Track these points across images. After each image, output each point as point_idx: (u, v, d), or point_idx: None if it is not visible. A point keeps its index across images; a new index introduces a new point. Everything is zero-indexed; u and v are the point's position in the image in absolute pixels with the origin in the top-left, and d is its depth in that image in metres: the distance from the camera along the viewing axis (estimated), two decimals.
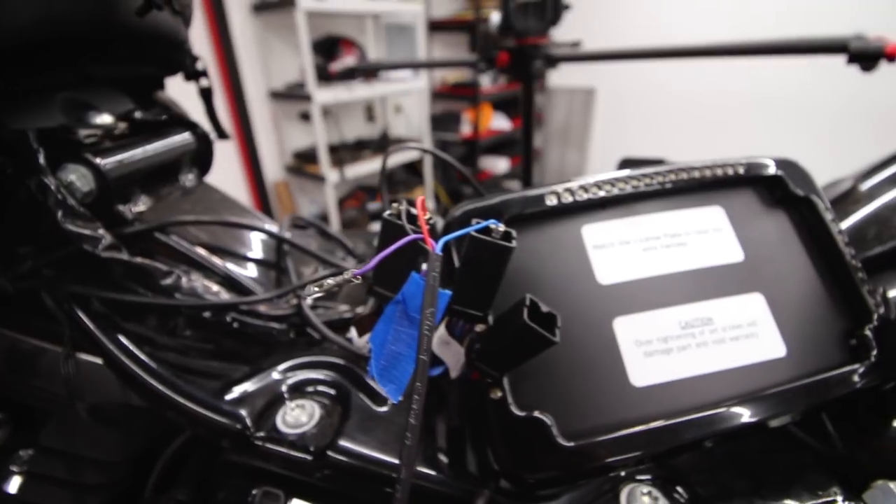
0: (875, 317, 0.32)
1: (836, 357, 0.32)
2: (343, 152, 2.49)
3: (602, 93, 3.13)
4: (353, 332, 0.38)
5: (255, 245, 0.52)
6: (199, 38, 2.06)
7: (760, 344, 0.32)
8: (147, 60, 0.49)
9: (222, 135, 0.59)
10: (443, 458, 0.34)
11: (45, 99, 0.43)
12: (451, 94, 3.13)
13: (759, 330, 0.32)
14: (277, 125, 2.52)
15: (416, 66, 2.58)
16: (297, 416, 0.35)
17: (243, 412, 0.35)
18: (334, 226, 2.52)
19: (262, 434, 0.34)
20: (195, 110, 0.59)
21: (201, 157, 0.54)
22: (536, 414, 0.28)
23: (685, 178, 0.35)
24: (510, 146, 3.34)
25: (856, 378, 0.31)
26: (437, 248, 0.21)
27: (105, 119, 0.45)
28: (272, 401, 0.37)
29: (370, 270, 0.24)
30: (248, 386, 0.38)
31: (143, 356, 0.37)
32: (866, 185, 0.46)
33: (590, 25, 2.77)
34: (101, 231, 0.38)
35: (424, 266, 0.23)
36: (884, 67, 0.75)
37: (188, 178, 0.52)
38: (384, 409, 0.37)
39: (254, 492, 0.34)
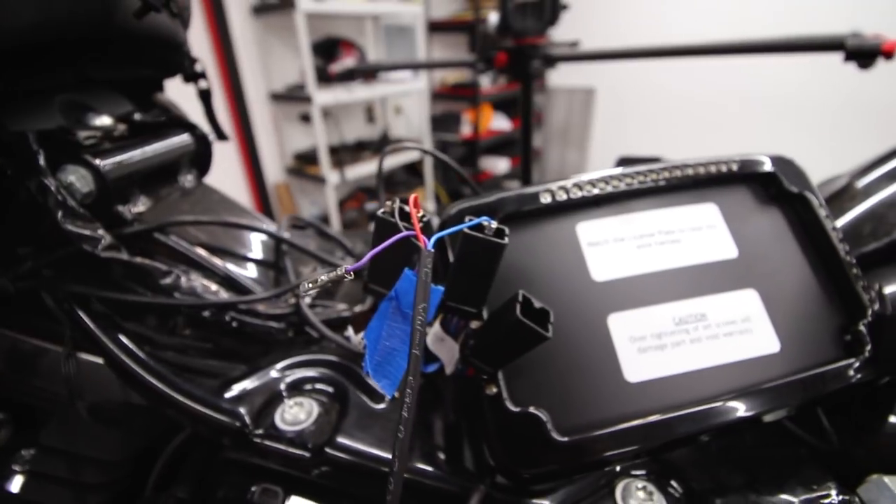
0: (869, 312, 0.32)
1: (831, 352, 0.32)
2: (343, 153, 2.50)
3: (602, 92, 3.13)
4: (350, 331, 0.38)
5: (254, 245, 0.52)
6: (200, 40, 2.07)
7: (754, 340, 0.32)
8: (145, 62, 0.50)
9: (221, 136, 0.60)
10: (440, 454, 0.34)
11: (45, 101, 0.43)
12: (451, 95, 3.14)
13: (753, 326, 0.32)
14: (278, 127, 2.53)
15: (415, 66, 2.59)
16: (296, 414, 0.35)
17: (242, 410, 0.36)
18: (335, 227, 2.53)
19: (260, 432, 0.35)
20: (194, 112, 0.60)
21: (200, 158, 0.54)
22: (531, 409, 0.28)
23: (679, 176, 0.35)
24: (510, 146, 3.34)
25: (850, 373, 0.31)
26: (429, 244, 0.21)
27: (104, 121, 0.45)
28: (271, 399, 0.37)
29: (365, 268, 0.25)
30: (246, 384, 0.38)
31: (143, 355, 0.37)
32: (862, 182, 0.46)
33: (588, 25, 2.78)
34: (100, 231, 0.38)
35: (417, 261, 0.23)
36: (882, 65, 0.76)
37: (187, 179, 0.53)
38: (382, 406, 0.37)
39: (253, 489, 0.35)
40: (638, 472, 0.31)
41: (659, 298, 0.32)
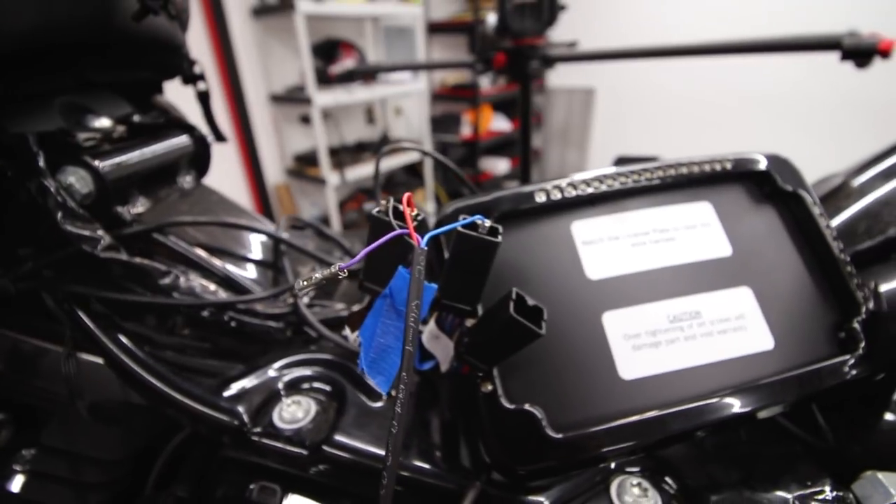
0: (864, 310, 0.32)
1: (825, 350, 0.32)
2: (343, 155, 2.50)
3: (601, 93, 3.13)
4: (347, 330, 0.38)
5: (253, 245, 0.53)
6: (199, 43, 2.08)
7: (748, 337, 0.32)
8: (144, 65, 0.50)
9: (220, 137, 0.60)
10: (436, 452, 0.34)
11: (45, 103, 0.44)
12: (451, 96, 3.14)
13: (748, 323, 0.32)
14: (278, 128, 2.54)
15: (414, 67, 2.60)
16: (294, 412, 0.35)
17: (241, 409, 0.36)
18: (335, 228, 2.53)
19: (258, 430, 0.35)
20: (193, 114, 0.60)
21: (199, 159, 0.54)
22: (527, 407, 0.28)
23: (673, 175, 0.36)
24: (510, 147, 3.34)
25: (845, 370, 0.31)
26: (422, 242, 0.22)
27: (103, 122, 0.46)
28: (269, 397, 0.37)
29: (360, 267, 0.25)
30: (245, 383, 0.38)
31: (142, 355, 0.38)
32: (857, 181, 0.47)
33: (587, 26, 2.78)
34: (100, 232, 0.39)
35: (409, 258, 0.23)
36: (879, 64, 0.76)
37: (186, 180, 0.53)
38: (379, 404, 0.37)
39: (251, 486, 0.35)
40: (633, 469, 0.32)
41: (653, 296, 0.32)
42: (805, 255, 0.35)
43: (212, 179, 0.59)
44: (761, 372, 0.31)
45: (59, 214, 0.37)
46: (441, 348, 0.28)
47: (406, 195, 0.23)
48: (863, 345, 0.31)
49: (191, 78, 0.57)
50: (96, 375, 0.41)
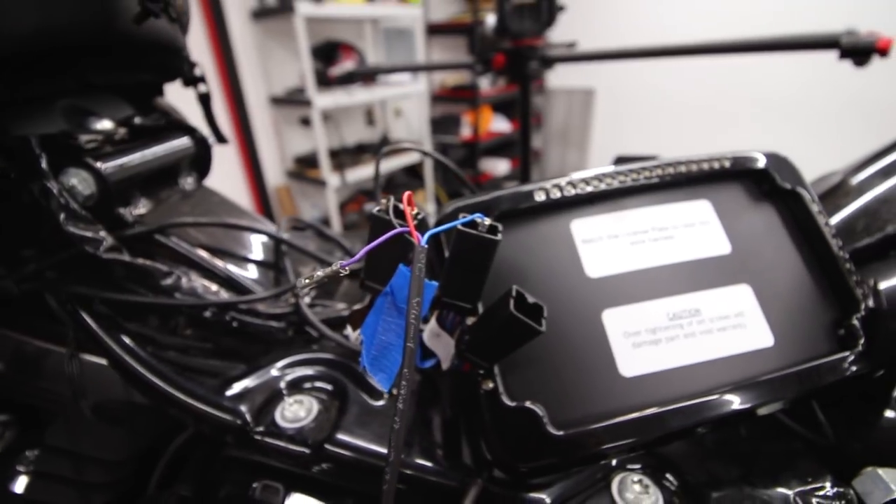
0: (863, 307, 0.32)
1: (824, 347, 0.32)
2: (344, 156, 2.51)
3: (601, 93, 3.13)
4: (349, 329, 0.38)
5: (254, 246, 0.53)
6: (199, 45, 2.08)
7: (748, 334, 0.32)
8: (145, 67, 0.50)
9: (221, 139, 0.60)
10: (437, 449, 0.34)
11: (47, 106, 0.44)
12: (451, 97, 3.15)
13: (747, 320, 0.32)
14: (278, 130, 2.54)
15: (414, 69, 2.60)
16: (296, 412, 0.35)
17: (243, 408, 0.36)
18: (336, 229, 2.53)
19: (261, 429, 0.35)
20: (193, 116, 0.60)
21: (200, 160, 0.55)
22: (527, 404, 0.28)
23: (672, 173, 0.36)
24: (510, 148, 3.35)
25: (844, 366, 0.31)
26: (422, 240, 0.22)
27: (105, 124, 0.46)
28: (271, 397, 0.38)
29: (360, 266, 0.25)
30: (247, 383, 0.38)
31: (145, 355, 0.38)
32: (856, 179, 0.47)
33: (586, 27, 2.78)
34: (102, 233, 0.39)
35: (409, 257, 0.24)
36: (878, 63, 0.76)
37: (187, 182, 0.53)
38: (380, 403, 0.37)
39: (254, 485, 0.35)
40: (634, 466, 0.32)
41: (653, 294, 0.33)
42: (804, 253, 0.35)
43: (212, 181, 0.59)
44: (761, 369, 0.31)
45: (62, 216, 0.37)
46: (442, 346, 0.28)
47: (406, 194, 0.23)
48: (862, 341, 0.32)
49: (191, 80, 0.58)
50: (99, 376, 0.42)
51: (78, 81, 0.43)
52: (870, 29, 0.78)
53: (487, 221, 0.25)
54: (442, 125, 3.10)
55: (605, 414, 0.29)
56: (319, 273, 0.21)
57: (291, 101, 2.36)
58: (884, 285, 0.34)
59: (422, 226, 0.25)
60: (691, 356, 0.31)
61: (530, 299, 0.25)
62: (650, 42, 1.10)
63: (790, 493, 0.31)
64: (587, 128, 3.27)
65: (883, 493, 0.29)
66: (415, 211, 0.24)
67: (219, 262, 0.47)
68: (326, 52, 2.37)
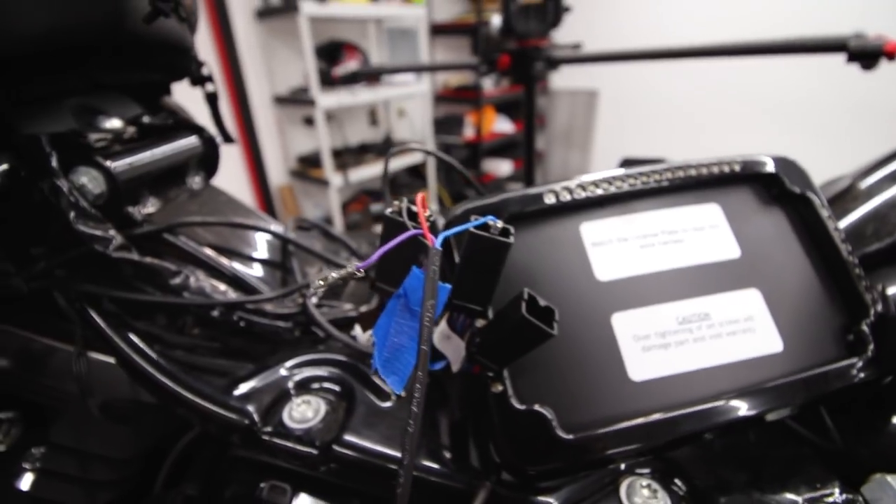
0: (872, 312, 0.32)
1: (833, 352, 0.32)
2: (347, 156, 2.51)
3: (605, 95, 3.13)
4: (357, 330, 0.38)
5: (261, 246, 0.53)
6: (204, 44, 2.09)
7: (757, 339, 0.32)
8: (155, 66, 0.50)
9: (228, 138, 0.61)
10: (445, 452, 0.34)
11: (56, 104, 0.44)
12: (454, 98, 3.15)
13: (756, 325, 0.32)
14: (281, 130, 2.55)
15: (418, 69, 2.60)
16: (303, 412, 0.36)
17: (251, 408, 0.36)
18: (338, 229, 2.53)
19: (269, 429, 0.35)
20: (200, 115, 0.61)
21: (208, 160, 0.55)
22: (537, 407, 0.28)
23: (682, 176, 0.36)
24: (513, 148, 3.35)
25: (853, 372, 0.31)
26: (436, 242, 0.22)
27: (114, 123, 0.46)
28: (279, 397, 0.38)
29: (373, 267, 0.25)
30: (255, 383, 0.38)
31: (153, 354, 0.38)
32: (865, 183, 0.47)
33: (591, 28, 2.78)
34: (111, 232, 0.39)
35: (424, 259, 0.24)
36: (886, 66, 0.76)
37: (195, 181, 0.54)
38: (388, 404, 0.37)
39: (261, 485, 0.35)
40: (642, 470, 0.32)
41: (662, 298, 0.33)
42: (813, 258, 0.35)
43: (216, 180, 0.59)
44: (770, 374, 0.31)
45: (72, 214, 0.37)
46: (452, 348, 0.28)
47: (420, 195, 0.23)
48: (871, 347, 0.32)
49: (199, 79, 0.58)
50: (106, 374, 0.42)
51: (88, 80, 0.44)
52: (876, 30, 0.77)
53: (500, 224, 0.25)
54: (445, 125, 3.10)
55: (614, 418, 0.29)
56: (334, 275, 0.21)
57: (295, 100, 2.37)
58: (893, 291, 0.34)
59: (433, 227, 0.25)
60: (701, 361, 0.31)
61: (542, 302, 0.25)
62: (655, 43, 1.10)
63: (799, 498, 0.31)
64: (590, 129, 3.26)
65: (892, 499, 0.29)
66: (427, 212, 0.24)
67: (227, 262, 0.47)
68: (330, 52, 2.37)
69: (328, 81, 2.25)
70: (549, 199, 0.34)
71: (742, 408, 0.30)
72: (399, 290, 0.23)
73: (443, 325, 0.29)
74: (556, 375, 0.30)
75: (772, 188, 0.37)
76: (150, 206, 0.47)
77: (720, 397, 0.30)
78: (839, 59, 0.77)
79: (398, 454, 0.33)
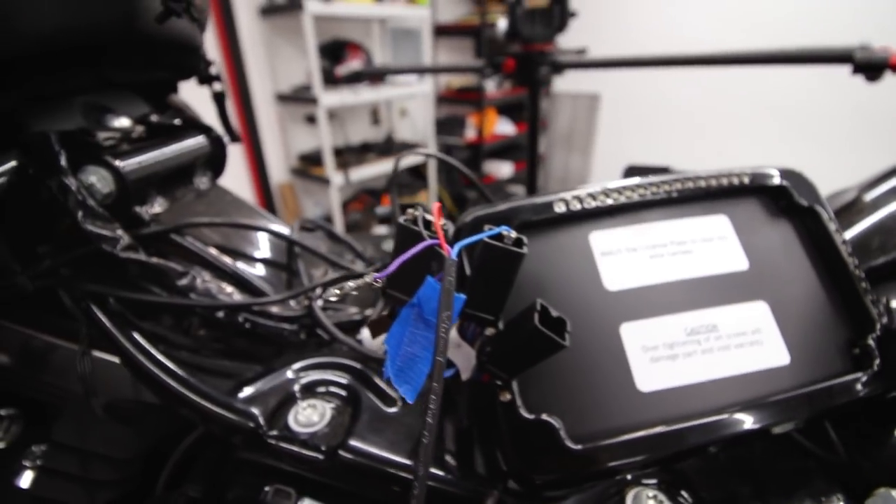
0: (878, 326, 0.32)
1: (839, 366, 0.33)
2: (348, 155, 2.51)
3: (606, 99, 3.14)
4: (363, 334, 0.38)
5: (267, 247, 0.53)
6: (207, 41, 2.07)
7: (765, 351, 0.32)
8: (164, 65, 0.50)
9: (235, 138, 0.61)
10: (450, 459, 0.34)
11: (65, 102, 0.44)
12: (456, 99, 3.15)
13: (764, 338, 0.33)
14: (283, 127, 2.54)
15: (422, 70, 2.60)
16: (309, 416, 0.35)
17: (256, 411, 0.36)
18: (338, 228, 2.53)
19: (275, 433, 0.35)
20: (203, 113, 0.60)
21: (215, 160, 0.55)
22: (545, 417, 0.28)
23: (691, 188, 0.36)
24: (514, 151, 3.35)
25: (858, 387, 0.31)
26: (452, 253, 0.22)
27: (123, 122, 0.46)
28: (284, 400, 0.37)
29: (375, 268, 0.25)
30: (260, 385, 0.38)
31: (158, 355, 0.38)
32: (870, 196, 0.47)
33: (595, 33, 2.78)
34: (119, 232, 0.39)
35: (435, 267, 0.24)
36: (891, 78, 0.76)
37: (202, 181, 0.53)
38: (394, 409, 0.37)
39: (266, 489, 0.35)
40: (649, 481, 0.32)
41: (671, 309, 0.33)
42: (820, 271, 0.35)
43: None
44: (777, 387, 0.31)
45: (80, 213, 0.37)
46: (462, 356, 0.28)
47: (436, 205, 0.23)
48: (877, 362, 0.32)
49: (207, 78, 0.58)
50: (110, 374, 0.41)
51: (97, 79, 0.43)
52: (870, 37, 0.78)
53: (514, 234, 0.25)
54: (447, 126, 3.10)
55: (622, 428, 0.29)
56: (351, 283, 0.21)
57: (297, 98, 2.37)
58: None
59: (445, 236, 0.25)
60: (708, 372, 0.31)
61: (554, 313, 0.25)
62: (659, 49, 1.10)
63: None
64: (591, 133, 3.27)
65: None
66: (442, 221, 0.24)
67: (233, 263, 0.47)
68: (334, 51, 2.37)
69: (331, 80, 2.25)
70: (559, 208, 0.34)
71: (749, 421, 0.30)
72: (413, 300, 0.23)
73: (453, 332, 0.29)
74: (565, 385, 0.30)
75: (780, 200, 0.37)
76: (158, 206, 0.47)
77: (728, 410, 0.30)
78: (845, 69, 0.77)
79: (405, 461, 0.33)
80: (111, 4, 0.37)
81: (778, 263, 0.35)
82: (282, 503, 0.34)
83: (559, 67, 1.18)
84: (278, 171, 2.60)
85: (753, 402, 0.30)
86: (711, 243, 0.35)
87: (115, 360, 0.41)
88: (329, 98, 2.22)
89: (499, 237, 0.25)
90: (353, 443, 0.34)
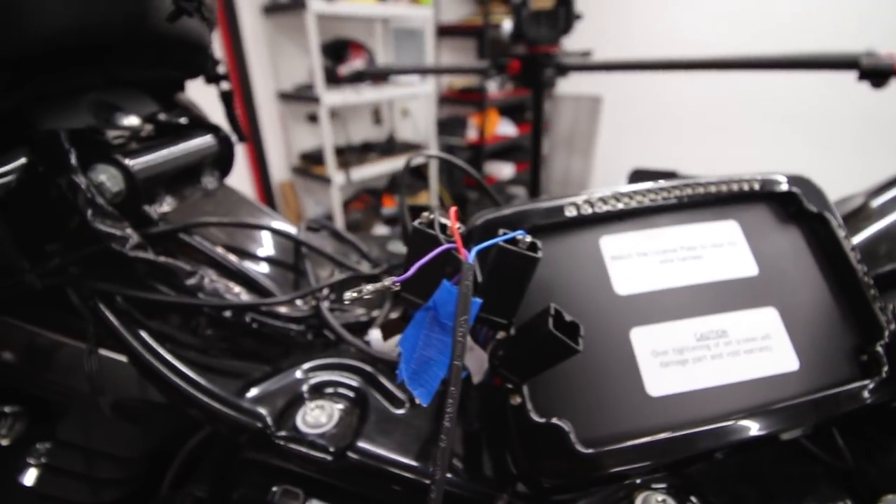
0: (886, 333, 0.33)
1: (847, 372, 0.33)
2: (349, 154, 2.51)
3: (608, 101, 3.14)
4: (372, 335, 0.38)
5: (274, 247, 0.53)
6: None
7: (774, 357, 0.32)
8: (174, 64, 0.50)
9: (242, 137, 0.60)
10: (458, 462, 0.34)
11: (74, 100, 0.44)
12: (458, 99, 3.15)
13: (773, 343, 0.33)
14: (285, 126, 2.54)
15: (425, 71, 2.60)
16: (317, 417, 0.35)
17: (263, 411, 0.36)
18: (339, 228, 2.53)
19: (283, 433, 0.35)
20: (207, 111, 0.60)
21: (223, 159, 0.55)
22: (555, 420, 0.28)
23: (702, 193, 0.36)
24: (515, 152, 3.35)
25: (866, 394, 0.31)
26: (469, 257, 0.22)
27: (132, 121, 0.46)
28: (292, 401, 0.37)
29: (396, 273, 0.25)
30: (268, 385, 0.38)
31: (166, 354, 0.38)
32: (877, 202, 0.47)
33: (600, 35, 2.78)
34: (128, 230, 0.39)
35: (447, 270, 0.24)
36: None
37: (209, 180, 0.53)
38: (401, 411, 0.37)
39: (274, 489, 0.35)
40: (657, 486, 0.32)
41: (681, 314, 0.33)
42: (829, 277, 0.35)
43: None
44: (786, 393, 0.31)
45: (90, 212, 0.37)
46: (474, 360, 0.28)
47: (452, 209, 0.23)
48: (885, 369, 0.32)
49: (214, 77, 0.58)
50: (116, 372, 0.41)
51: (107, 77, 0.43)
52: (876, 44, 0.78)
53: (528, 238, 0.25)
54: (448, 127, 3.10)
55: (632, 433, 0.29)
56: (369, 287, 0.21)
57: (299, 97, 2.36)
58: None
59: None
60: (718, 378, 0.31)
61: (567, 318, 0.25)
62: (663, 51, 1.10)
63: None
64: (593, 135, 3.27)
65: None
66: (458, 225, 0.24)
67: (241, 263, 0.46)
68: (336, 50, 2.37)
69: (333, 79, 2.25)
70: (570, 212, 0.34)
71: (758, 427, 0.30)
72: (429, 303, 0.23)
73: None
74: (575, 389, 0.30)
75: (789, 206, 0.37)
76: (166, 206, 0.47)
77: (737, 415, 0.30)
78: (850, 74, 0.78)
79: (414, 463, 0.33)
80: (122, 3, 0.37)
81: (787, 269, 0.35)
82: None
83: (564, 69, 1.18)
84: (279, 170, 2.60)
85: (762, 407, 0.30)
86: (721, 249, 0.35)
87: (122, 358, 0.41)
88: (331, 97, 2.22)
89: (513, 241, 0.25)
90: (362, 444, 0.34)
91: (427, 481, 0.33)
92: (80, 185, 0.37)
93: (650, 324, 0.32)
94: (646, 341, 0.32)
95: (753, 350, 0.32)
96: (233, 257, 0.46)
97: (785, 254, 0.36)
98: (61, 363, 0.44)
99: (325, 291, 0.46)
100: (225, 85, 0.58)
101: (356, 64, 2.36)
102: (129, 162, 0.40)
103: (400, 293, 0.26)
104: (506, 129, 3.25)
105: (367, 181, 2.68)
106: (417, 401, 0.32)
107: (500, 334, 0.29)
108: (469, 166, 0.46)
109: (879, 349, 0.32)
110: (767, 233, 0.36)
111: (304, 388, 0.38)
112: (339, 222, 2.52)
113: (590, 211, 0.34)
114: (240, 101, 2.27)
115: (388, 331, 0.29)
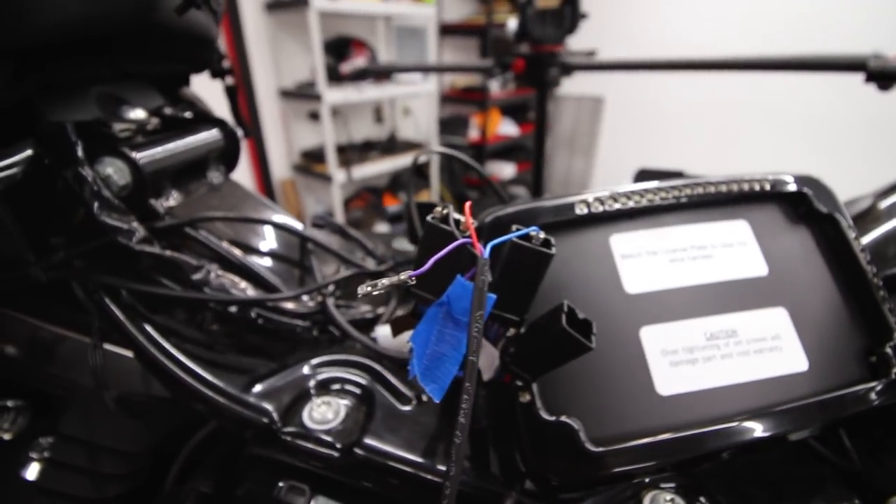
0: (895, 335, 0.32)
1: (856, 373, 0.32)
2: (350, 153, 2.50)
3: (610, 101, 3.14)
4: (380, 332, 0.38)
5: (280, 243, 0.53)
6: None
7: (783, 358, 0.32)
8: (181, 57, 0.50)
9: (247, 132, 0.60)
10: (465, 459, 0.34)
11: (81, 92, 0.44)
12: (460, 98, 3.15)
13: (783, 344, 0.32)
14: (286, 123, 2.54)
15: (429, 69, 2.59)
16: (324, 413, 0.35)
17: (269, 407, 0.36)
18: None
19: (289, 429, 0.35)
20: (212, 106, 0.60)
21: (229, 153, 0.54)
22: (564, 418, 0.28)
23: (712, 192, 0.36)
24: (517, 152, 3.35)
25: (874, 395, 0.31)
26: (485, 252, 0.22)
27: (138, 114, 0.46)
28: (298, 397, 0.37)
29: (406, 269, 0.25)
30: (274, 381, 0.38)
31: (172, 349, 0.38)
32: (886, 203, 0.47)
33: (603, 34, 2.77)
34: (135, 224, 0.38)
35: (460, 266, 0.23)
36: None
37: (215, 175, 0.53)
38: (408, 408, 0.37)
39: (280, 484, 0.35)
40: (666, 485, 0.32)
41: (691, 313, 0.33)
42: (838, 278, 0.35)
43: None
44: (795, 393, 0.31)
45: (96, 205, 0.37)
46: (485, 357, 0.28)
47: (467, 203, 0.23)
48: (894, 370, 0.32)
49: (219, 72, 0.57)
50: (120, 367, 0.41)
51: (114, 69, 0.43)
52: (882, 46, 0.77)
53: (542, 235, 0.25)
54: (450, 126, 3.10)
55: (641, 432, 0.29)
56: (384, 281, 0.21)
57: (301, 94, 2.36)
58: None
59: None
60: (728, 377, 0.31)
61: (580, 315, 0.25)
62: (667, 51, 1.10)
63: None
64: (594, 135, 3.27)
65: None
66: (472, 221, 0.24)
67: (247, 258, 0.46)
68: (338, 48, 2.36)
69: (335, 77, 2.24)
70: (581, 210, 0.34)
71: (767, 427, 0.30)
72: (442, 298, 0.23)
73: None
74: (584, 387, 0.30)
75: (799, 207, 0.37)
76: (172, 200, 0.46)
77: (746, 415, 0.30)
78: (856, 77, 0.77)
79: (420, 459, 0.33)
80: None
81: (797, 270, 0.35)
82: (296, 500, 0.34)
83: (569, 69, 1.18)
84: (280, 167, 2.59)
85: (771, 407, 0.30)
86: (731, 248, 0.35)
87: (127, 353, 0.40)
88: (333, 95, 2.21)
89: (526, 238, 0.25)
90: (369, 441, 0.34)
91: (433, 478, 0.33)
92: (87, 177, 0.37)
93: (660, 323, 0.32)
94: (656, 340, 0.32)
95: (763, 350, 0.32)
96: (238, 252, 0.46)
97: (795, 254, 0.36)
98: (64, 357, 0.43)
99: (331, 288, 0.46)
100: (230, 79, 0.57)
101: (358, 62, 2.35)
102: (136, 155, 0.40)
103: (411, 289, 0.26)
104: (507, 128, 3.24)
105: (368, 179, 2.68)
106: (426, 398, 0.32)
107: (511, 331, 0.29)
108: (476, 163, 0.46)
109: (888, 350, 0.32)
110: (777, 233, 0.36)
111: (311, 384, 0.38)
112: (340, 220, 2.51)
113: (600, 209, 0.34)
114: (241, 98, 2.27)
115: (398, 327, 0.29)
